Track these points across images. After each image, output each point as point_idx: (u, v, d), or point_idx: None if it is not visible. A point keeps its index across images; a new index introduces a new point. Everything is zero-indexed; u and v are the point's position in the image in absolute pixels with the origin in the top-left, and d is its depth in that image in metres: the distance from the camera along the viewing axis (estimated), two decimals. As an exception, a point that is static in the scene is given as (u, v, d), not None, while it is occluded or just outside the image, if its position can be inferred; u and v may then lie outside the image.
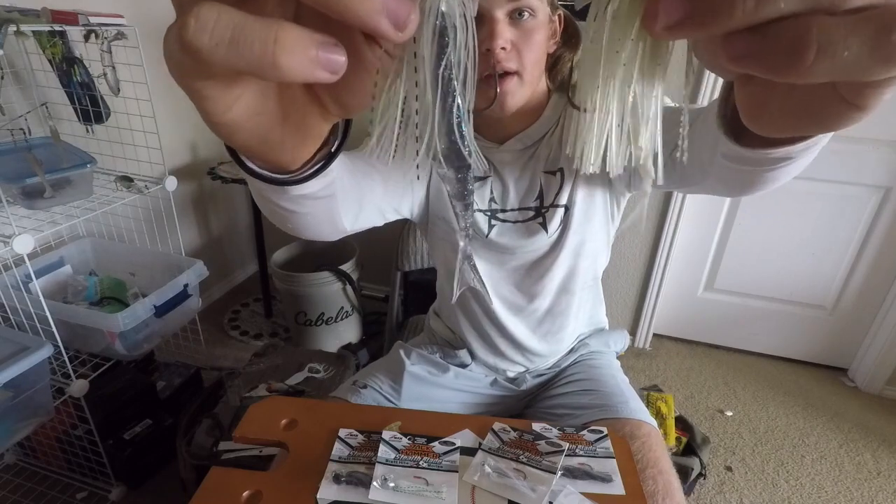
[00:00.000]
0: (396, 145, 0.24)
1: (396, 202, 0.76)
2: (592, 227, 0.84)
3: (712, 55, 0.19)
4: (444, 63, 0.22)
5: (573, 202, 0.81)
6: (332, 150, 0.33)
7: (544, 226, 0.83)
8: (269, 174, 0.35)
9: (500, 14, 0.68)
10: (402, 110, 0.23)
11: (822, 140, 0.36)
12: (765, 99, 0.22)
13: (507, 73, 0.70)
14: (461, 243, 0.34)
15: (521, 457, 0.63)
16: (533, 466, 0.61)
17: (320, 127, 0.27)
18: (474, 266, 0.36)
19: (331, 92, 0.24)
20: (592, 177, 0.80)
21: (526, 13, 0.69)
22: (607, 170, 0.25)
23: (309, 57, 0.18)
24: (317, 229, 0.54)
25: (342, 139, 0.33)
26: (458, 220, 0.32)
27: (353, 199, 0.59)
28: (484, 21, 0.68)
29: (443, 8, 0.21)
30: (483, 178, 0.82)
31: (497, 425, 0.68)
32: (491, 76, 0.69)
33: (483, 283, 0.37)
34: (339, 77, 0.20)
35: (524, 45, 0.70)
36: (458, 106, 0.23)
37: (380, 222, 0.72)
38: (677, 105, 0.71)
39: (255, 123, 0.24)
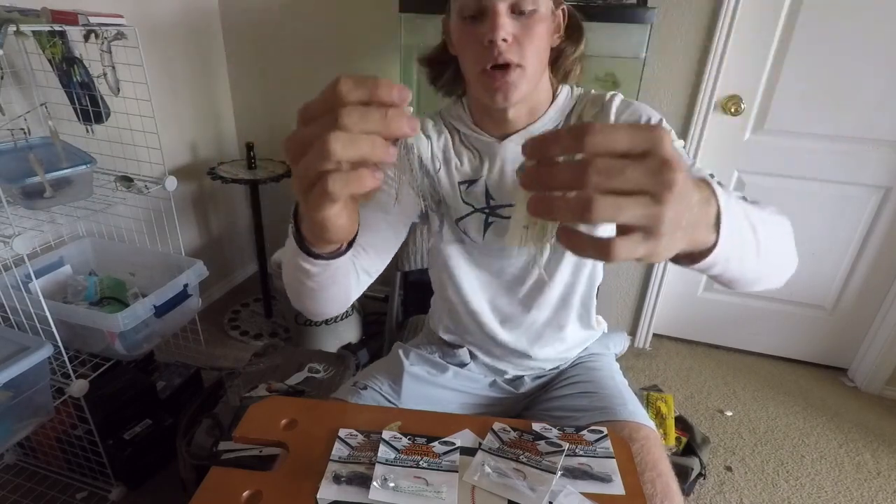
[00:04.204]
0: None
1: (404, 218, 0.82)
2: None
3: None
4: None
5: None
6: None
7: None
8: (325, 253, 0.56)
9: (503, 7, 0.68)
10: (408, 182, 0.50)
11: (726, 256, 0.43)
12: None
13: (509, 65, 0.70)
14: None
15: (521, 457, 0.63)
16: (533, 466, 0.61)
17: (357, 212, 0.46)
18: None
19: None
20: None
21: (528, 6, 0.70)
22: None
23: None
24: (334, 303, 0.71)
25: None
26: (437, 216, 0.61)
27: (370, 244, 0.76)
28: (486, 14, 0.69)
29: (409, 142, 0.44)
30: (474, 181, 0.82)
31: (497, 425, 0.68)
32: (494, 68, 0.70)
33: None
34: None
35: (525, 38, 0.70)
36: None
37: (394, 248, 0.80)
38: None
39: (346, 214, 0.43)
